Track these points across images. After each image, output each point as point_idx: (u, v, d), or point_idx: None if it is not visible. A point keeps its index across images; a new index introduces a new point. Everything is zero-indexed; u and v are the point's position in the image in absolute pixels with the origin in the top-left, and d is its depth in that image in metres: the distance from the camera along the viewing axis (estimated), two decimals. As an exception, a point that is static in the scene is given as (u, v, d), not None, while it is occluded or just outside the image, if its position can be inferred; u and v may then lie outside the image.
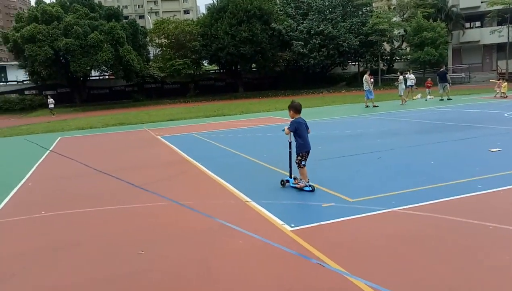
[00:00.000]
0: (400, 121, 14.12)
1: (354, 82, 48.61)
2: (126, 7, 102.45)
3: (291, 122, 6.08)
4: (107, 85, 48.93)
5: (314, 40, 42.96)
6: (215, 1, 47.18)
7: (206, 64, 52.60)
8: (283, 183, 6.34)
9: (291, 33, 43.53)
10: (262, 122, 16.82)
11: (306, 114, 18.52)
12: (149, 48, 48.82)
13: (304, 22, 44.51)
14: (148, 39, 47.07)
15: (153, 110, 31.78)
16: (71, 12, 39.54)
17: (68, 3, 41.47)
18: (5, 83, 48.93)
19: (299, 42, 43.01)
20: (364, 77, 20.18)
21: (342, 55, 45.09)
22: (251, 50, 42.49)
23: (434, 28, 41.20)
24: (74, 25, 37.23)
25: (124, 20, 43.26)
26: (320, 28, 43.03)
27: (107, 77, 48.96)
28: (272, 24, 43.53)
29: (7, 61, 60.36)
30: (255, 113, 21.86)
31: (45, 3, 40.68)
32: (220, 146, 11.04)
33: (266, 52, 43.66)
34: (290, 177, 6.34)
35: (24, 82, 46.65)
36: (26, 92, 45.13)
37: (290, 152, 6.32)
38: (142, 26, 48.79)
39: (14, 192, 7.38)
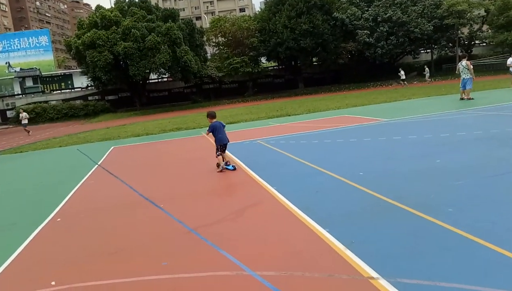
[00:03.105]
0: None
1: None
2: (184, 9, 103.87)
3: (209, 126, 8.25)
4: (166, 88, 48.74)
5: (381, 28, 39.23)
6: (272, -6, 44.91)
7: (264, 62, 50.59)
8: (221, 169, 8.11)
9: (355, 22, 40.05)
10: (336, 123, 14.17)
11: (387, 110, 15.38)
12: (206, 47, 47.72)
13: (370, 9, 40.84)
14: (205, 39, 45.96)
15: (212, 111, 30.17)
16: (129, 16, 39.31)
17: (126, 7, 41.37)
18: (70, 90, 50.58)
19: (365, 31, 39.43)
20: (463, 63, 16.33)
21: (413, 42, 40.77)
22: (312, 43, 39.72)
23: (525, 4, 35.77)
24: (132, 28, 36.87)
25: (180, 21, 42.37)
26: (388, 14, 39.18)
27: (165, 79, 48.70)
28: (334, 13, 40.38)
29: (75, 69, 62.65)
30: (323, 111, 19.20)
31: (104, 8, 40.88)
32: (294, 158, 8.67)
33: (328, 44, 40.58)
34: (227, 164, 8.27)
35: (88, 88, 47.74)
36: (90, 98, 46.22)
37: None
38: (200, 26, 47.82)
39: (34, 234, 5.57)
